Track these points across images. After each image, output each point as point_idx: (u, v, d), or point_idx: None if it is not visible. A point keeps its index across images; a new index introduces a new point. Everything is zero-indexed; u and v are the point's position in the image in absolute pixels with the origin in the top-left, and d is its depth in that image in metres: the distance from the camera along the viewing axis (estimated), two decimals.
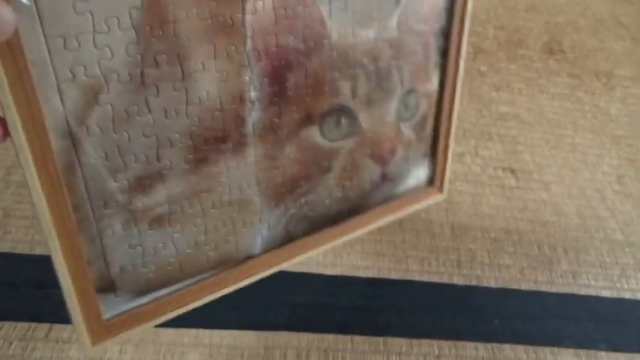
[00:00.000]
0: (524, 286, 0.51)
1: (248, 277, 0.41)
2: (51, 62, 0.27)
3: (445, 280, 0.50)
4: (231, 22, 0.32)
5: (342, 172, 0.44)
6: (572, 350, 0.46)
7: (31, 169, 0.28)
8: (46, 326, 0.40)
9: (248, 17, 0.33)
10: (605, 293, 0.53)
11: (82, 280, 0.32)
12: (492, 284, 0.51)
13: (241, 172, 0.37)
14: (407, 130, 0.46)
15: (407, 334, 0.45)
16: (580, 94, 0.78)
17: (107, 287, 0.34)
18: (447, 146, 0.50)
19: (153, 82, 0.31)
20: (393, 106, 0.44)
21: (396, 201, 0.49)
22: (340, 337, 0.44)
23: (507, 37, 0.85)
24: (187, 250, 0.37)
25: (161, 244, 0.36)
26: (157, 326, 0.39)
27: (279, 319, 0.44)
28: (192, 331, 0.42)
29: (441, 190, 0.52)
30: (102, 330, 0.35)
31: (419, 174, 0.51)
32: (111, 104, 0.30)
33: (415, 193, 0.51)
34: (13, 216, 0.46)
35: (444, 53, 0.46)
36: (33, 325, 0.40)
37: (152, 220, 0.35)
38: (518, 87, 0.75)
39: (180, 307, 0.38)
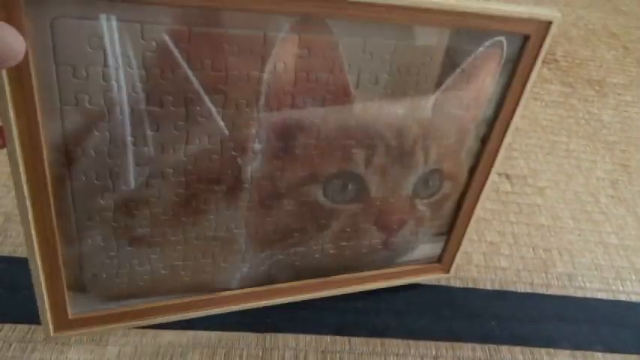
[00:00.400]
0: (521, 289, 0.52)
1: (219, 307, 0.42)
2: (57, 86, 0.28)
3: (442, 282, 0.51)
4: (247, 78, 0.32)
5: (340, 232, 0.43)
6: (568, 352, 0.47)
7: (19, 170, 0.29)
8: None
9: (266, 76, 0.33)
10: (601, 295, 0.53)
11: (54, 278, 0.34)
12: (489, 286, 0.52)
13: (231, 214, 0.38)
14: (422, 207, 0.44)
15: (404, 335, 0.46)
16: (573, 102, 0.80)
17: (78, 288, 0.36)
18: (465, 229, 0.48)
19: (154, 119, 0.32)
20: (410, 181, 0.42)
21: (394, 269, 0.48)
22: (338, 338, 0.45)
23: None
24: (162, 272, 0.39)
25: (137, 261, 0.37)
26: (155, 327, 0.42)
27: (277, 321, 0.45)
28: (191, 333, 0.43)
29: (447, 270, 0.50)
30: (65, 323, 0.37)
31: (426, 250, 0.48)
32: (109, 132, 0.31)
33: (417, 266, 0.49)
34: (14, 220, 0.49)
35: (482, 141, 0.43)
36: (33, 327, 0.42)
37: (132, 239, 0.36)
38: None
39: (142, 320, 0.40)
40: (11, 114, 0.28)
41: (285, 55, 0.32)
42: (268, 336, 0.44)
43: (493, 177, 0.44)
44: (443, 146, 0.41)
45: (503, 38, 0.36)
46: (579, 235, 0.60)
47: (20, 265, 0.40)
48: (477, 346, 0.46)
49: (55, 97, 0.29)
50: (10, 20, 0.25)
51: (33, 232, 0.32)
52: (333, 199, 0.40)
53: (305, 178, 0.38)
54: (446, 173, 0.43)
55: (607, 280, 0.55)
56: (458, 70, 0.38)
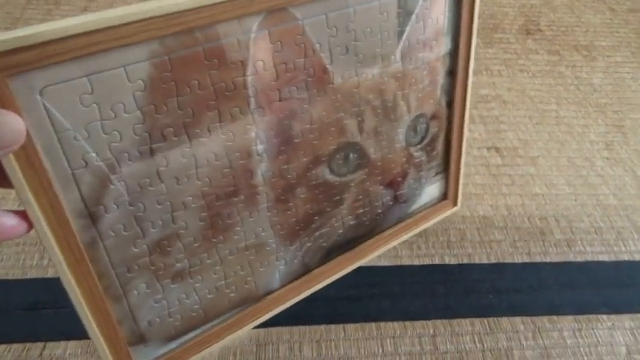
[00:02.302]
0: (518, 259, 0.52)
1: (269, 311, 0.43)
2: (64, 154, 0.28)
3: (436, 261, 0.51)
4: (233, 87, 0.33)
5: (354, 202, 0.44)
6: (571, 317, 0.47)
7: (56, 252, 0.30)
8: (40, 345, 0.42)
9: (249, 78, 0.33)
10: (603, 257, 0.53)
11: (114, 340, 0.35)
12: (485, 260, 0.52)
13: (255, 219, 0.39)
14: (417, 153, 0.47)
15: (400, 317, 0.46)
16: (561, 69, 0.78)
17: (138, 340, 0.37)
18: (459, 160, 0.50)
19: (162, 154, 0.32)
20: (401, 132, 0.44)
21: (410, 219, 0.50)
22: (332, 326, 0.45)
23: (482, 23, 0.84)
24: (209, 296, 0.39)
25: (184, 295, 0.38)
26: None
27: (270, 317, 0.44)
28: None
29: (455, 203, 0.53)
30: None
31: (432, 191, 0.51)
32: (124, 182, 0.31)
33: (429, 209, 0.51)
34: (5, 244, 0.49)
35: (451, 74, 0.45)
36: (27, 345, 0.42)
37: (173, 275, 0.36)
38: (497, 69, 0.76)
39: (206, 347, 0.40)
40: (29, 195, 0.28)
41: (261, 53, 0.33)
42: (262, 331, 0.44)
43: (468, 110, 0.47)
44: (420, 90, 0.43)
45: None
46: (576, 200, 0.58)
47: (13, 286, 0.40)
48: (476, 321, 0.46)
49: (64, 165, 0.29)
50: (4, 104, 0.25)
51: (83, 302, 0.32)
52: (339, 174, 0.42)
53: (310, 162, 0.39)
54: (429, 115, 0.45)
55: (608, 242, 0.54)
56: (413, 17, 0.40)
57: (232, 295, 0.41)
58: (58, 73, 0.26)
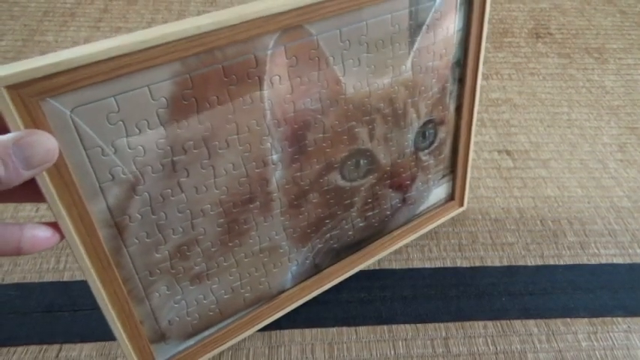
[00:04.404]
0: (531, 262, 0.51)
1: (281, 309, 0.45)
2: (92, 169, 0.30)
3: (448, 264, 0.50)
4: (250, 101, 0.34)
5: (364, 205, 0.46)
6: (586, 320, 0.46)
7: (85, 260, 0.31)
8: (56, 347, 0.43)
9: (266, 92, 0.35)
10: (617, 260, 0.52)
11: (138, 338, 0.37)
12: (497, 263, 0.51)
13: (269, 224, 0.40)
14: (425, 157, 0.48)
15: (412, 320, 0.46)
16: (572, 72, 0.77)
17: (159, 338, 0.39)
18: (466, 163, 0.52)
19: (183, 166, 0.33)
20: (410, 138, 0.45)
21: (418, 220, 0.52)
22: (344, 329, 0.45)
23: (492, 28, 0.84)
24: (225, 297, 0.41)
25: (202, 296, 0.40)
26: None
27: (282, 319, 0.45)
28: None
29: (461, 203, 0.54)
30: None
31: (439, 192, 0.52)
32: (148, 192, 0.33)
33: (436, 210, 0.53)
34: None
35: (460, 81, 0.46)
36: (44, 347, 0.43)
37: (192, 277, 0.38)
38: (507, 73, 0.75)
39: (223, 344, 0.42)
40: (61, 208, 0.29)
41: (277, 68, 0.34)
42: (274, 333, 0.45)
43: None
44: (429, 98, 0.44)
45: None
46: (589, 202, 0.57)
47: (31, 290, 0.42)
48: (489, 323, 0.46)
49: (93, 180, 0.30)
50: (37, 125, 0.27)
51: (109, 305, 0.34)
52: (350, 179, 0.43)
53: (322, 169, 0.41)
54: (437, 121, 0.47)
55: (622, 244, 0.53)
56: (424, 28, 0.41)
57: (247, 294, 0.43)
58: (86, 95, 0.28)
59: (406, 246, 0.52)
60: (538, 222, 0.55)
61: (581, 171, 0.61)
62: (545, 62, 0.78)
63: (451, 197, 0.54)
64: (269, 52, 0.33)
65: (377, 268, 0.50)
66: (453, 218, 0.54)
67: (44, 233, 0.29)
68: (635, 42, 0.84)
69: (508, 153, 0.63)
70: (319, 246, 0.45)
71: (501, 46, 0.80)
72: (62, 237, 0.30)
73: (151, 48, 0.28)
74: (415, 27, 0.40)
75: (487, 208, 0.56)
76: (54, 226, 0.30)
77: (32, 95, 0.26)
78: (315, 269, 0.46)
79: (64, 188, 0.29)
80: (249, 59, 0.33)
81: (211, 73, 0.32)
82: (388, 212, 0.49)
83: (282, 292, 0.45)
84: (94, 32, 0.83)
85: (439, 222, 0.53)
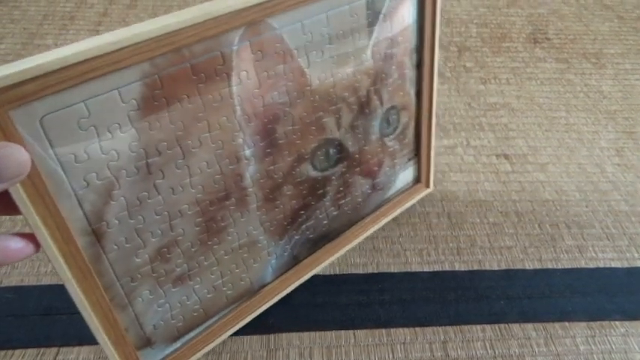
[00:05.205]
0: (529, 265, 0.51)
1: (264, 304, 0.45)
2: (66, 177, 0.29)
3: (446, 267, 0.51)
4: (220, 98, 0.34)
5: (336, 194, 0.47)
6: (584, 324, 0.47)
7: (63, 268, 0.31)
8: (54, 350, 0.43)
9: (234, 88, 0.35)
10: (615, 264, 0.52)
11: (123, 346, 0.36)
12: (495, 267, 0.51)
13: (246, 219, 0.41)
14: (391, 142, 0.49)
15: (411, 323, 0.46)
16: (570, 77, 0.78)
17: (145, 344, 0.38)
18: (429, 145, 0.53)
19: (158, 168, 0.33)
20: (375, 125, 0.47)
21: (388, 204, 0.53)
22: (342, 332, 0.45)
23: (490, 33, 0.85)
24: (208, 296, 0.41)
25: (185, 297, 0.40)
26: None
27: (280, 322, 0.45)
28: None
29: (427, 185, 0.56)
30: None
31: (406, 176, 0.54)
32: (124, 197, 0.33)
33: (404, 193, 0.54)
34: None
35: (418, 66, 0.48)
36: (42, 350, 0.43)
37: (174, 279, 0.38)
38: (505, 77, 0.76)
39: (208, 344, 0.42)
40: (37, 219, 0.29)
41: (243, 63, 0.35)
42: (272, 337, 0.45)
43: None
44: (390, 84, 0.46)
45: None
46: (587, 206, 0.58)
47: (28, 292, 0.42)
48: (487, 327, 0.46)
49: (68, 188, 0.30)
50: (8, 136, 0.26)
51: (92, 314, 0.33)
52: (321, 169, 0.44)
53: (294, 161, 0.42)
54: (400, 106, 0.48)
55: (620, 248, 0.53)
56: (381, 17, 0.42)
57: (229, 292, 0.43)
58: (56, 101, 0.27)
59: (404, 249, 0.52)
60: (536, 226, 0.55)
61: (579, 175, 0.62)
62: (543, 67, 0.79)
63: (417, 180, 0.55)
64: (235, 47, 0.34)
65: (375, 271, 0.50)
66: (451, 222, 0.55)
67: (16, 244, 0.28)
68: (632, 47, 0.85)
69: (506, 157, 0.63)
70: (296, 237, 0.46)
71: (499, 50, 0.81)
72: (38, 247, 0.30)
73: (120, 50, 0.28)
74: (373, 16, 0.41)
75: (485, 212, 0.56)
76: (29, 236, 0.29)
77: (0, 106, 0.25)
78: (294, 261, 0.47)
79: (38, 199, 0.28)
80: (216, 56, 0.33)
81: (180, 72, 0.32)
82: (360, 199, 0.50)
83: (264, 286, 0.45)
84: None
85: (408, 204, 0.55)
